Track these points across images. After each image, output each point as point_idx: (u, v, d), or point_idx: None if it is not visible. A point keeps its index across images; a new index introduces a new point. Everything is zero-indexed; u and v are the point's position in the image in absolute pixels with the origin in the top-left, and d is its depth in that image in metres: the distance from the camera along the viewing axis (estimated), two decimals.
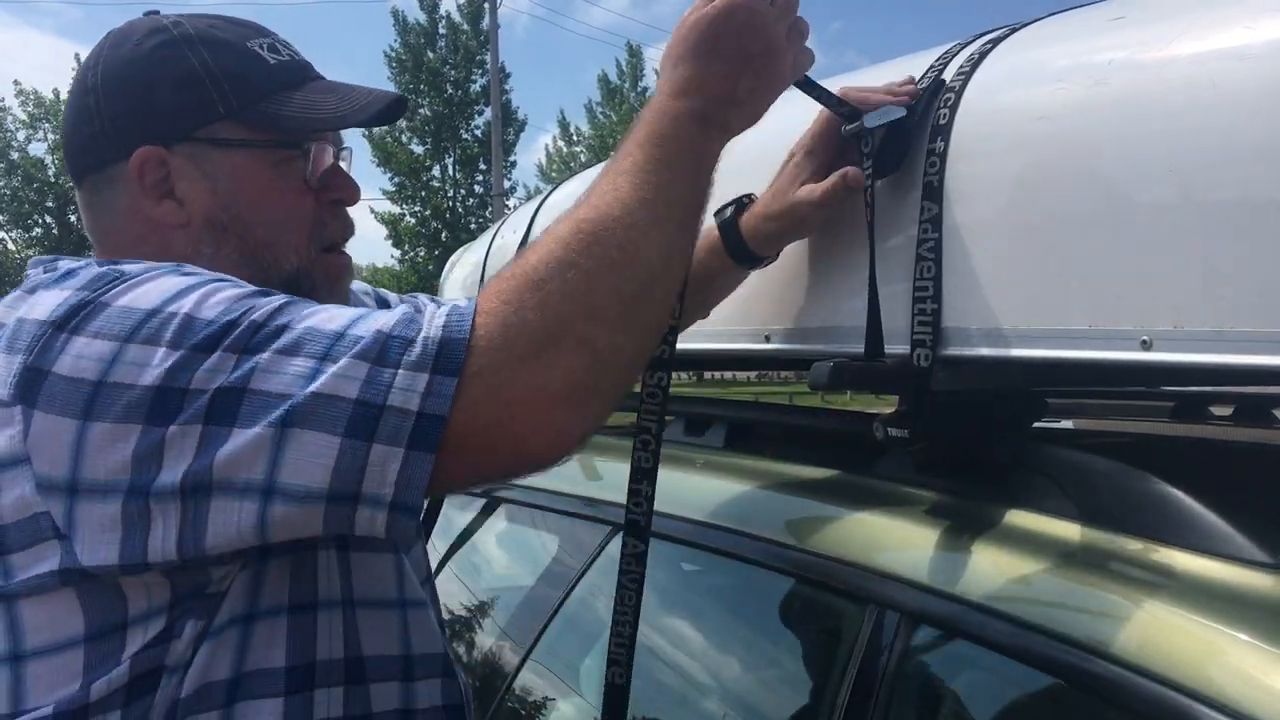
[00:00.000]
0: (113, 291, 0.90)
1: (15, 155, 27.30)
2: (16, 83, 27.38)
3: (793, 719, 1.35)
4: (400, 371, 0.85)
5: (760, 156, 1.35)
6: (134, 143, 1.06)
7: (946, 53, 1.28)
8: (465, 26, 28.04)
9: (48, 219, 28.09)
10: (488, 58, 26.00)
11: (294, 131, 1.10)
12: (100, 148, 1.08)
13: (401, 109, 1.15)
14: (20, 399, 0.87)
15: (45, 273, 1.02)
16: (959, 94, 1.17)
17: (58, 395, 0.86)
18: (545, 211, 2.24)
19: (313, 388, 0.84)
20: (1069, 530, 1.10)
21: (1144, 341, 0.98)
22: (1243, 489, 1.15)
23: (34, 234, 28.15)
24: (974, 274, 1.13)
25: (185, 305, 0.88)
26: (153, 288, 0.90)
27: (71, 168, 1.13)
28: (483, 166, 28.73)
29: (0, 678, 0.90)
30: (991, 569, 1.08)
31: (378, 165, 28.04)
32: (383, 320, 0.88)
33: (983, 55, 1.21)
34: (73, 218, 28.00)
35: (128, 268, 0.94)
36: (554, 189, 2.42)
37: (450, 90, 28.09)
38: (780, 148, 1.36)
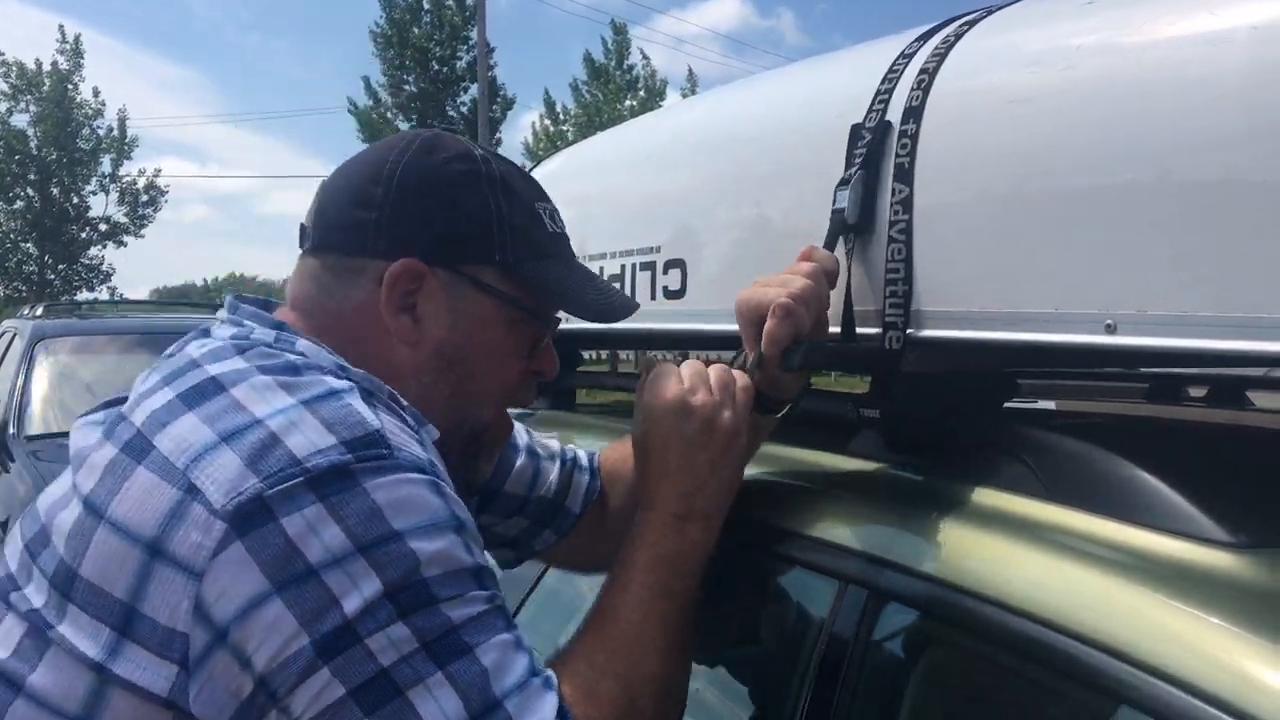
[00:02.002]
0: (375, 479, 0.89)
1: None
2: (0, 54, 27.07)
3: (760, 695, 1.37)
4: None
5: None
6: (404, 249, 1.06)
7: (924, 34, 1.29)
8: (450, 2, 27.83)
9: (30, 191, 27.87)
10: (473, 34, 25.84)
11: (549, 304, 1.13)
12: (364, 236, 1.07)
13: (631, 313, 1.21)
14: (232, 520, 0.85)
15: (280, 346, 1.01)
16: (932, 76, 1.18)
17: (269, 548, 0.84)
18: None
19: None
20: (1036, 509, 1.11)
21: (1108, 325, 0.99)
22: (1208, 470, 1.16)
23: (16, 207, 27.94)
24: (944, 257, 1.14)
25: (424, 549, 0.88)
26: (409, 499, 0.90)
27: (318, 238, 1.11)
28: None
29: None
30: (959, 547, 1.10)
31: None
32: (534, 712, 0.91)
33: (959, 37, 1.22)
34: (55, 191, 27.82)
35: (391, 434, 0.93)
36: (536, 165, 2.42)
37: (436, 67, 27.90)
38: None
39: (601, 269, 1.78)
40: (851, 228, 1.21)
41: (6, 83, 27.19)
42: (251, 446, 0.88)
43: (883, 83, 1.23)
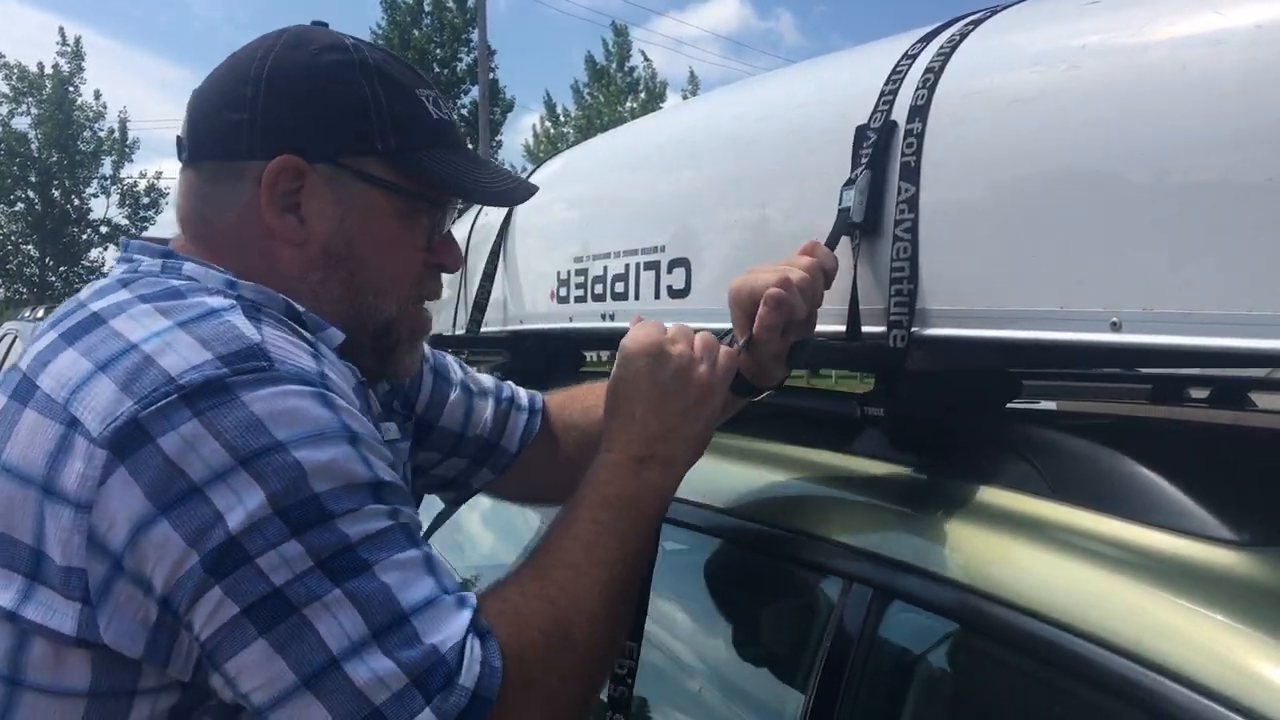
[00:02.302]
0: (254, 391, 0.87)
1: None
2: (1, 56, 27.09)
3: (765, 693, 1.37)
4: (427, 709, 0.84)
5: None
6: (279, 147, 1.03)
7: (928, 34, 1.29)
8: (451, 4, 27.83)
9: (31, 193, 27.87)
10: (474, 36, 25.84)
11: (439, 190, 1.10)
12: (241, 139, 1.04)
13: (530, 196, 1.18)
14: (111, 446, 0.84)
15: (165, 274, 1.00)
16: (937, 75, 1.18)
17: (149, 469, 0.83)
18: None
19: (350, 669, 0.83)
20: (1041, 507, 1.11)
21: (1114, 323, 1.00)
22: (1212, 469, 1.17)
23: (17, 209, 27.94)
24: (949, 255, 1.14)
25: (310, 459, 0.86)
26: (291, 409, 0.88)
27: (193, 148, 1.09)
28: (470, 145, 28.56)
29: None
30: (963, 545, 1.10)
31: None
32: (444, 627, 0.87)
33: (963, 36, 1.22)
34: (56, 193, 27.82)
35: (274, 347, 0.91)
36: (538, 167, 2.43)
37: (437, 69, 27.90)
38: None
39: (606, 268, 1.78)
40: (857, 226, 1.21)
41: (8, 85, 27.21)
42: (125, 371, 0.87)
43: (887, 83, 1.24)
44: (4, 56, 27.13)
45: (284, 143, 1.03)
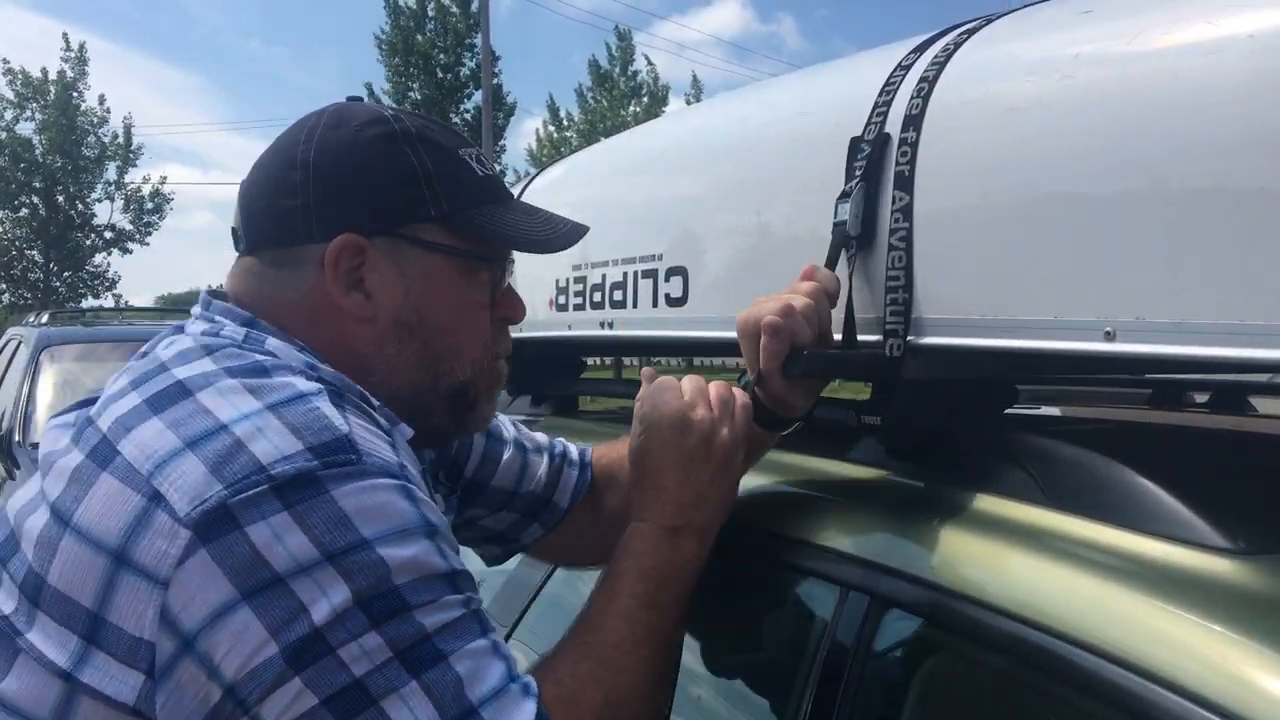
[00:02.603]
0: (343, 486, 0.88)
1: (2, 135, 27.12)
2: (5, 61, 27.15)
3: (762, 701, 1.37)
4: None
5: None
6: (337, 227, 1.04)
7: (922, 43, 1.29)
8: (455, 9, 27.87)
9: (35, 199, 27.92)
10: (477, 41, 25.88)
11: (495, 247, 1.11)
12: (295, 223, 1.05)
13: (579, 238, 1.20)
14: (197, 528, 0.84)
15: (249, 346, 1.01)
16: (932, 84, 1.18)
17: (234, 555, 0.84)
18: (529, 196, 2.25)
19: None
20: (1036, 515, 1.11)
21: (1107, 333, 1.00)
22: (1208, 476, 1.17)
23: (21, 214, 28.00)
24: (944, 264, 1.15)
25: (394, 556, 0.88)
26: (378, 506, 0.89)
27: (250, 238, 1.09)
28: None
29: None
30: (960, 553, 1.10)
31: None
32: (512, 714, 0.90)
33: (957, 46, 1.22)
34: (60, 198, 27.87)
35: (359, 439, 0.92)
36: (539, 173, 2.43)
37: (440, 74, 27.94)
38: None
39: (604, 276, 1.79)
40: (853, 239, 1.21)
41: (12, 90, 27.28)
42: (216, 453, 0.87)
43: (882, 92, 1.24)
44: (8, 62, 27.20)
45: (340, 222, 1.04)
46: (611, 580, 1.08)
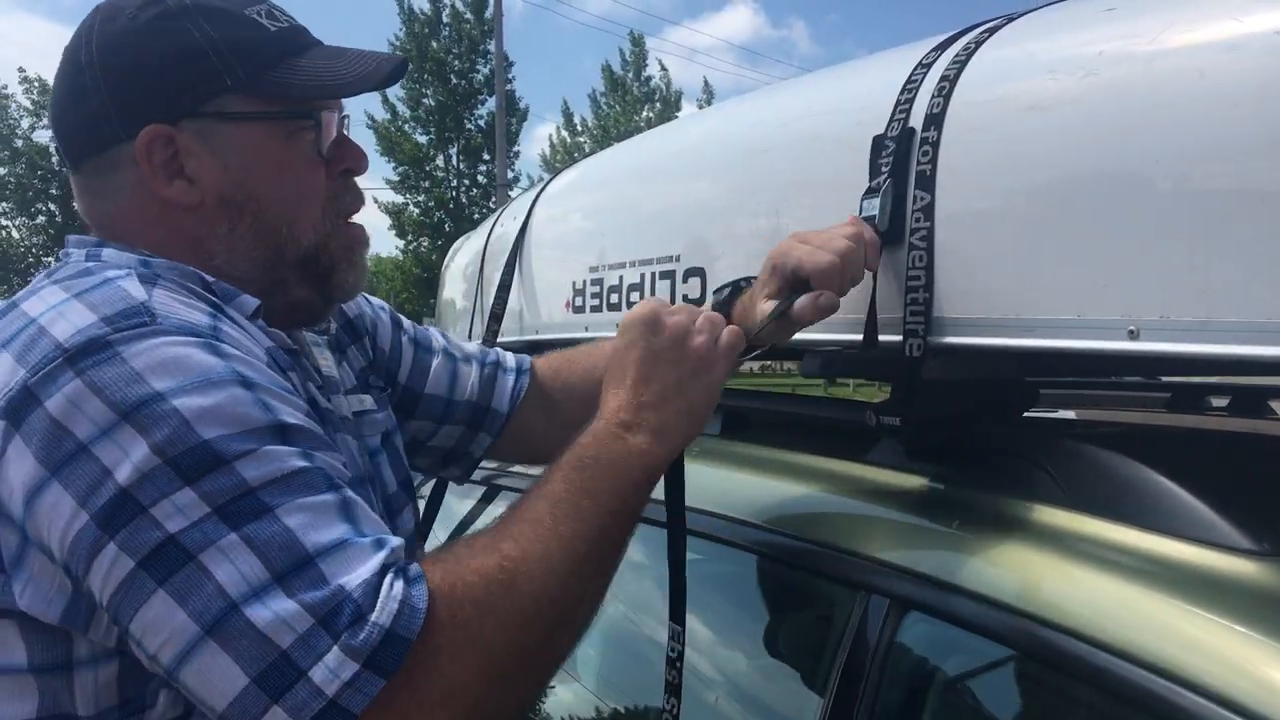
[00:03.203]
0: (134, 344, 0.86)
1: (19, 142, 27.29)
2: (21, 70, 27.33)
3: (782, 704, 1.36)
4: (335, 648, 0.80)
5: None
6: (138, 122, 1.01)
7: (943, 42, 1.29)
8: (469, 16, 27.94)
9: (51, 206, 28.08)
10: (491, 47, 25.94)
11: (305, 101, 1.07)
12: (100, 129, 1.03)
13: (404, 70, 1.13)
14: (6, 415, 0.85)
15: (87, 261, 1.00)
16: (953, 83, 1.18)
17: (38, 432, 0.83)
18: (545, 200, 2.25)
19: (251, 612, 0.80)
20: (1058, 517, 1.10)
21: (1131, 331, 0.99)
22: (1230, 477, 1.16)
23: (38, 221, 28.16)
24: (965, 263, 1.14)
25: (194, 405, 0.84)
26: (172, 359, 0.86)
27: (66, 151, 1.09)
28: (486, 156, 28.66)
29: None
30: (981, 555, 1.09)
31: (381, 155, 27.96)
32: (354, 567, 0.84)
33: (978, 44, 1.22)
34: (77, 205, 28.03)
35: (161, 305, 0.90)
36: (554, 177, 2.43)
37: (454, 80, 28.01)
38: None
39: (621, 278, 1.78)
40: (880, 235, 1.20)
41: (29, 99, 27.43)
42: (21, 343, 0.88)
43: (903, 91, 1.23)
44: (24, 70, 27.37)
45: (141, 115, 1.02)
46: (547, 470, 1.01)
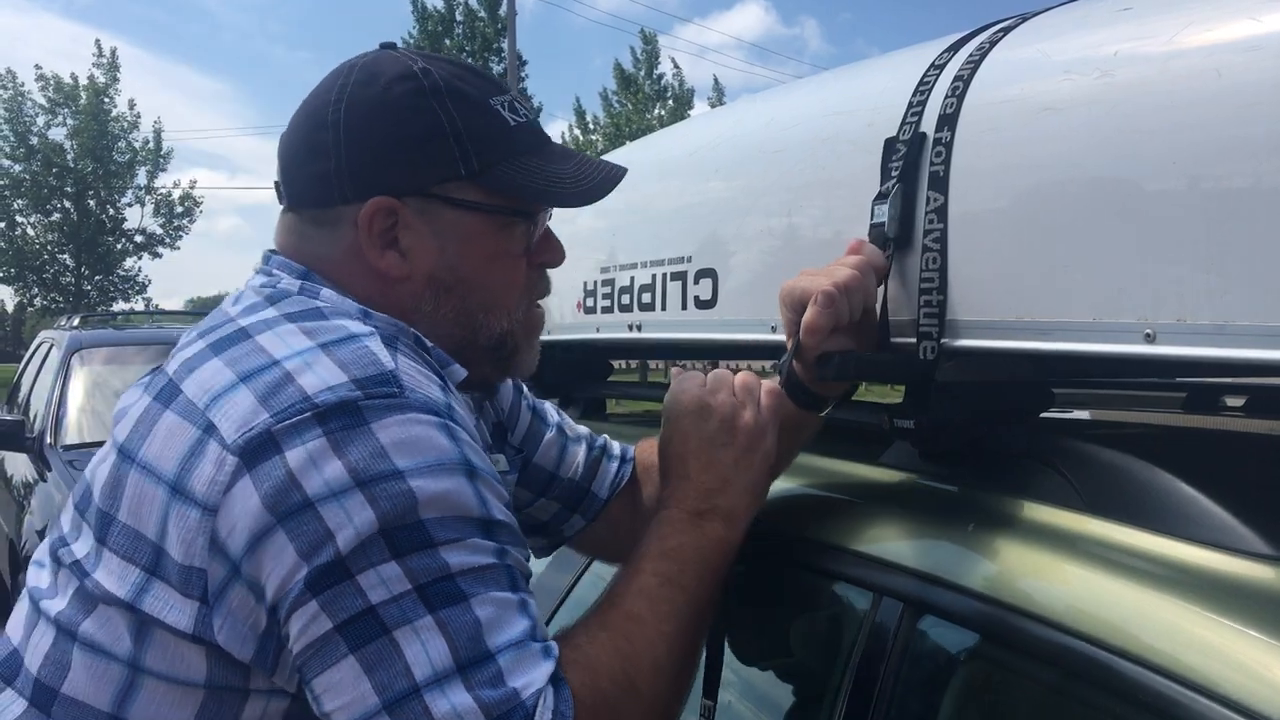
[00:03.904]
0: (382, 415, 0.89)
1: (35, 140, 27.40)
2: (38, 67, 27.46)
3: (795, 707, 1.36)
4: None
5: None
6: (369, 191, 1.05)
7: (956, 42, 1.28)
8: (483, 14, 27.97)
9: (66, 204, 28.20)
10: (504, 45, 25.96)
11: (528, 201, 1.10)
12: (330, 186, 1.06)
13: (620, 180, 1.17)
14: (242, 454, 0.87)
15: (305, 295, 1.03)
16: (966, 84, 1.17)
17: (271, 479, 0.86)
18: None
19: (430, 700, 0.84)
20: (1072, 520, 1.10)
21: (1147, 335, 0.98)
22: (1247, 481, 1.15)
23: (53, 219, 28.27)
24: (980, 266, 1.13)
25: (425, 488, 0.88)
26: (414, 440, 0.89)
27: (290, 197, 1.11)
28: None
29: (114, 674, 0.92)
30: (995, 559, 1.09)
31: None
32: (528, 672, 0.88)
33: (992, 45, 1.21)
34: (91, 203, 28.14)
35: (406, 376, 0.93)
36: None
37: None
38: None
39: (632, 279, 1.78)
40: (890, 241, 1.20)
41: (44, 96, 27.54)
42: (266, 385, 0.90)
43: (916, 92, 1.23)
44: (40, 68, 27.50)
45: (372, 184, 1.05)
46: (634, 560, 1.06)
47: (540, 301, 1.19)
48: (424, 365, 0.99)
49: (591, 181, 1.13)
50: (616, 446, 1.50)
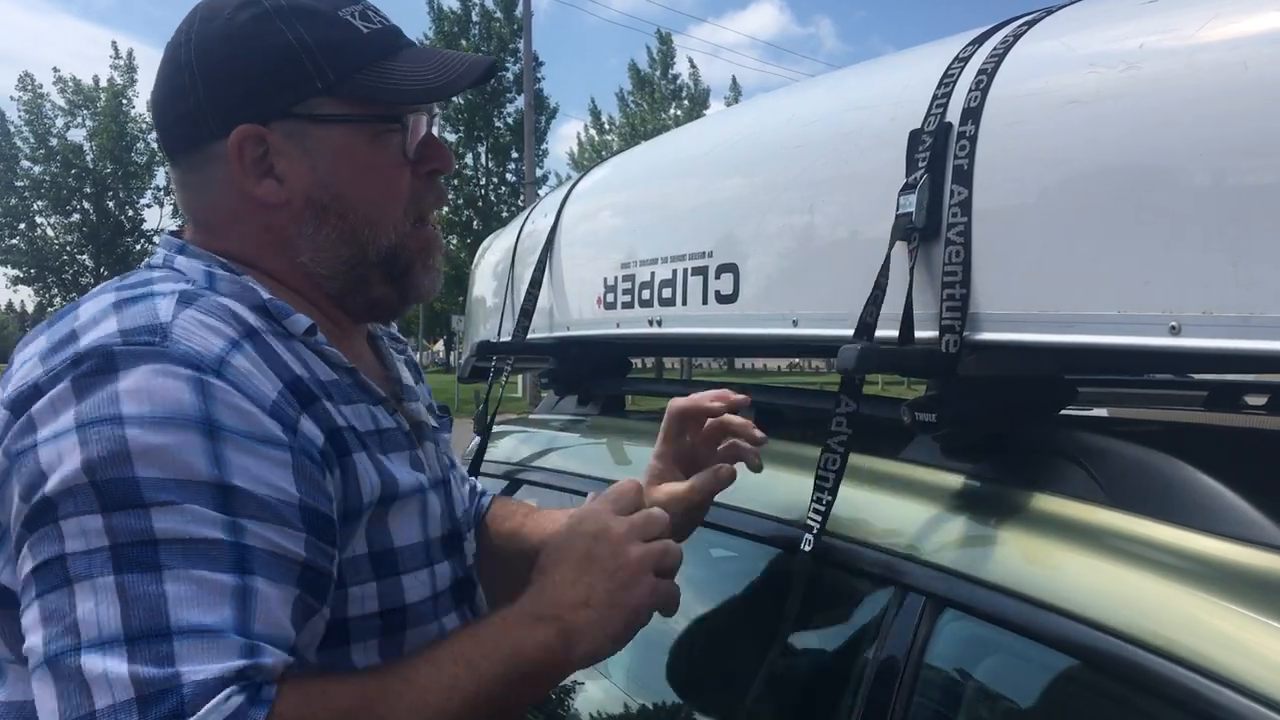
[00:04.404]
0: (130, 365, 0.88)
1: (54, 142, 27.57)
2: (56, 69, 27.66)
3: (816, 703, 1.36)
4: None
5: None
6: (231, 121, 1.04)
7: (979, 36, 1.28)
8: (499, 14, 28.03)
9: (85, 204, 28.37)
10: (520, 45, 26.01)
11: (394, 104, 1.08)
12: (196, 126, 1.06)
13: (494, 73, 1.14)
14: (10, 406, 0.90)
15: (163, 265, 1.05)
16: (990, 77, 1.17)
17: (17, 426, 0.88)
18: (576, 198, 2.25)
19: (86, 661, 0.80)
20: (1095, 515, 1.09)
21: (1172, 327, 0.98)
22: (1271, 474, 1.14)
23: (72, 220, 28.45)
24: (1003, 259, 1.13)
25: (140, 439, 0.84)
26: (153, 389, 0.87)
27: (164, 144, 1.12)
28: (515, 155, 28.74)
29: None
30: (1017, 553, 1.09)
31: None
32: (204, 662, 0.80)
33: (1016, 38, 1.21)
34: (110, 204, 28.29)
35: (179, 325, 0.91)
36: (584, 175, 2.43)
37: None
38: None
39: (653, 274, 1.78)
40: (916, 231, 1.20)
41: (64, 98, 27.72)
42: (53, 345, 0.92)
43: (940, 85, 1.23)
44: (59, 70, 27.69)
45: (234, 114, 1.04)
46: (447, 636, 1.01)
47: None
48: (227, 319, 0.96)
49: (453, 74, 1.10)
50: (479, 485, 1.50)
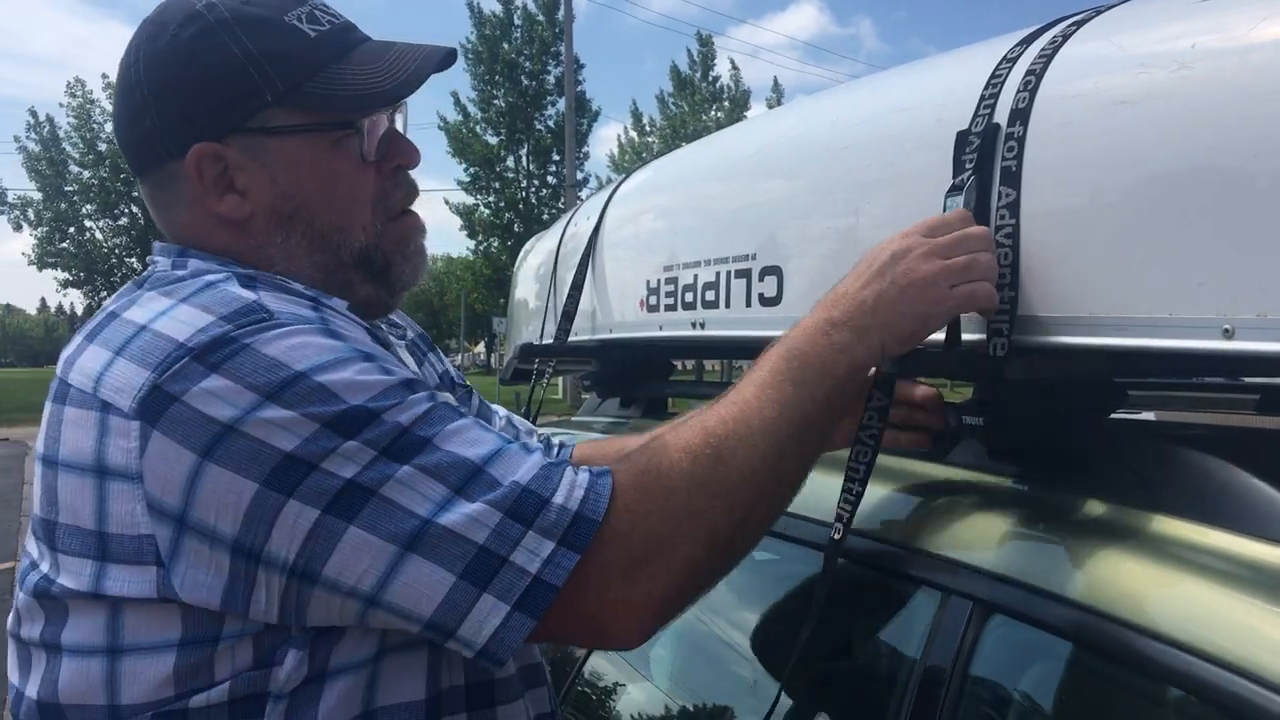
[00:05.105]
0: (260, 336, 0.90)
1: (103, 146, 28.00)
2: (104, 75, 28.05)
3: (863, 706, 1.35)
4: (530, 532, 0.89)
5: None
6: (187, 140, 1.04)
7: (1027, 36, 1.27)
8: (540, 17, 28.13)
9: (134, 208, 28.79)
10: (562, 48, 26.10)
11: (345, 111, 1.08)
12: (155, 146, 1.07)
13: (451, 61, 1.14)
14: (142, 415, 0.88)
15: (175, 270, 1.04)
16: (1039, 78, 1.16)
17: (182, 424, 0.87)
18: (618, 200, 2.26)
19: (444, 520, 0.87)
20: (1145, 519, 1.08)
21: (1226, 330, 0.97)
22: None
23: (121, 223, 28.88)
24: (1052, 261, 1.12)
25: (334, 379, 0.89)
26: (302, 344, 0.91)
27: (131, 164, 1.12)
28: (555, 157, 28.84)
29: (96, 666, 0.92)
30: (1066, 559, 1.07)
31: (452, 156, 28.25)
32: (519, 466, 0.92)
33: (1065, 38, 1.19)
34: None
35: (271, 303, 0.94)
36: (626, 177, 2.43)
37: (525, 81, 28.21)
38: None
39: (696, 277, 1.78)
40: None
41: (112, 103, 28.18)
42: (139, 349, 0.91)
43: (987, 86, 1.22)
44: (108, 76, 28.10)
45: (189, 133, 1.05)
46: (757, 360, 1.07)
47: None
48: (291, 295, 1.00)
49: (405, 74, 1.09)
50: (556, 440, 1.53)
